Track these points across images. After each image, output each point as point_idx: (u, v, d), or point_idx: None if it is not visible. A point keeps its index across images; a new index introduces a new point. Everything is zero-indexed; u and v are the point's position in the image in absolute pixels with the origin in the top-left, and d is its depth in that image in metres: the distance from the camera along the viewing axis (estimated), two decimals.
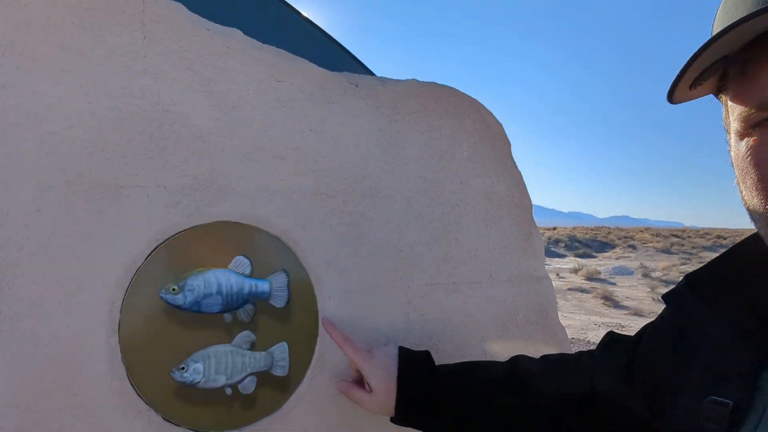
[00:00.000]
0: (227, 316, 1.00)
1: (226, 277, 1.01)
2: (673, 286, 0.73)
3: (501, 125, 1.44)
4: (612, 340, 0.93)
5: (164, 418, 0.93)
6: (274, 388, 1.04)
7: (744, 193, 0.55)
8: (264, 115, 1.08)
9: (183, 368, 0.95)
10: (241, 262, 1.03)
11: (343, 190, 1.16)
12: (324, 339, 1.09)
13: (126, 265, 0.92)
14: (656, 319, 0.81)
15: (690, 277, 0.69)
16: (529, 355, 1.06)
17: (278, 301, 1.06)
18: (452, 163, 1.33)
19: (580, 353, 0.99)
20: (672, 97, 0.58)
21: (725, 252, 0.67)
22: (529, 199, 1.47)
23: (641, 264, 20.76)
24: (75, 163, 0.90)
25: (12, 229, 0.84)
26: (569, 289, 13.95)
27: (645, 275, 17.79)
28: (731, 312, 0.61)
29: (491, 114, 1.43)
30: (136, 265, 0.93)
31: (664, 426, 0.70)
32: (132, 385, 0.91)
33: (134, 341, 0.92)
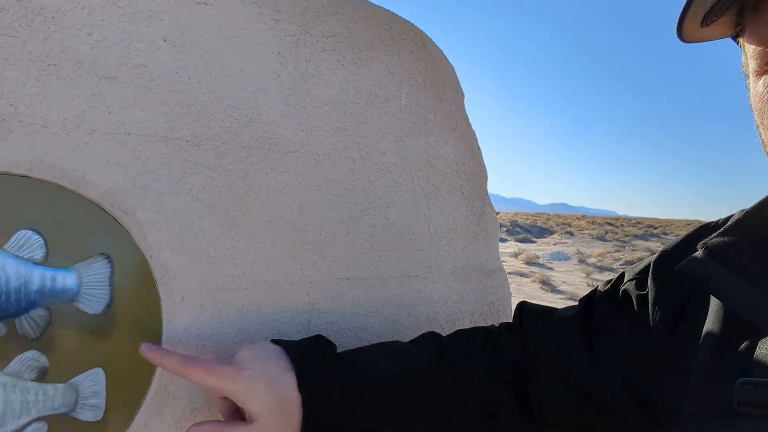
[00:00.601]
0: None
1: None
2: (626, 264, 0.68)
3: (453, 68, 1.07)
4: (540, 311, 0.82)
5: None
6: None
7: (763, 135, 0.52)
8: (84, 10, 0.67)
9: None
10: (28, 241, 0.63)
11: (215, 136, 0.76)
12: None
13: None
14: (611, 289, 0.75)
15: (709, 246, 0.60)
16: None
17: (92, 304, 0.66)
18: (384, 113, 0.95)
19: (491, 327, 0.85)
20: (681, 32, 0.55)
21: (741, 218, 0.61)
22: (484, 168, 1.11)
23: (578, 250, 21.16)
24: None
25: None
26: (510, 273, 13.96)
27: (581, 261, 18.14)
28: (760, 271, 0.55)
29: (441, 52, 1.06)
30: None
31: (643, 415, 0.65)
32: None
33: None
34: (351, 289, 0.88)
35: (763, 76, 0.51)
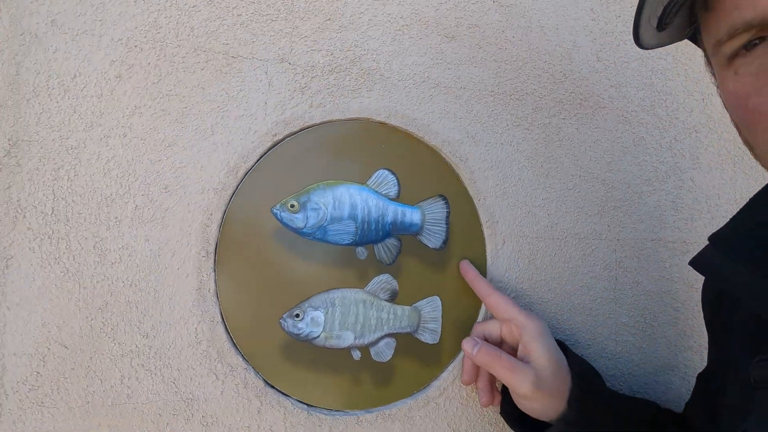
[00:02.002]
0: (361, 251, 0.70)
1: (363, 198, 0.70)
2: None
3: None
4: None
5: (267, 383, 0.65)
6: (420, 360, 0.72)
7: (745, 134, 0.49)
8: None
9: (298, 315, 0.66)
10: (385, 179, 0.71)
11: (534, 91, 0.79)
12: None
13: (231, 165, 0.65)
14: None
15: (714, 237, 0.58)
16: None
17: (432, 239, 0.73)
18: (691, 69, 0.89)
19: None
20: (639, 40, 0.51)
21: (745, 204, 0.57)
22: None
23: None
24: (172, 18, 0.63)
25: (80, 98, 0.60)
26: None
27: None
28: (766, 259, 0.50)
29: None
30: (245, 166, 0.65)
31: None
32: (227, 331, 0.64)
33: (234, 271, 0.64)
34: (656, 251, 0.84)
35: (728, 70, 0.46)
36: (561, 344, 0.70)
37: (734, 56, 0.45)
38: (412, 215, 0.72)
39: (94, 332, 0.59)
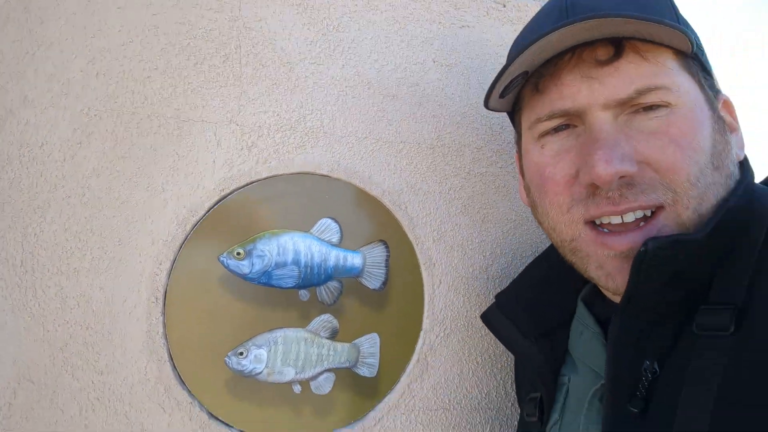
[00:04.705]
0: (303, 294, 0.74)
1: (306, 244, 0.73)
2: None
3: None
4: None
5: (211, 415, 0.69)
6: (357, 392, 0.75)
7: (539, 202, 0.59)
8: (372, 40, 0.78)
9: (242, 353, 0.70)
10: (328, 227, 0.75)
11: (471, 143, 0.82)
12: (429, 335, 0.78)
13: (180, 218, 0.69)
14: None
15: (498, 296, 0.70)
16: None
17: (372, 281, 0.76)
18: None
19: None
20: (488, 102, 0.62)
21: (526, 267, 0.72)
22: None
23: None
24: (128, 89, 0.68)
25: (46, 164, 0.65)
26: None
27: None
28: (529, 321, 0.65)
29: None
30: (194, 219, 0.70)
31: None
32: (174, 369, 0.68)
33: (182, 315, 0.69)
34: None
35: (537, 144, 0.57)
36: None
37: (544, 134, 0.57)
38: (354, 259, 0.75)
39: (56, 369, 0.64)
